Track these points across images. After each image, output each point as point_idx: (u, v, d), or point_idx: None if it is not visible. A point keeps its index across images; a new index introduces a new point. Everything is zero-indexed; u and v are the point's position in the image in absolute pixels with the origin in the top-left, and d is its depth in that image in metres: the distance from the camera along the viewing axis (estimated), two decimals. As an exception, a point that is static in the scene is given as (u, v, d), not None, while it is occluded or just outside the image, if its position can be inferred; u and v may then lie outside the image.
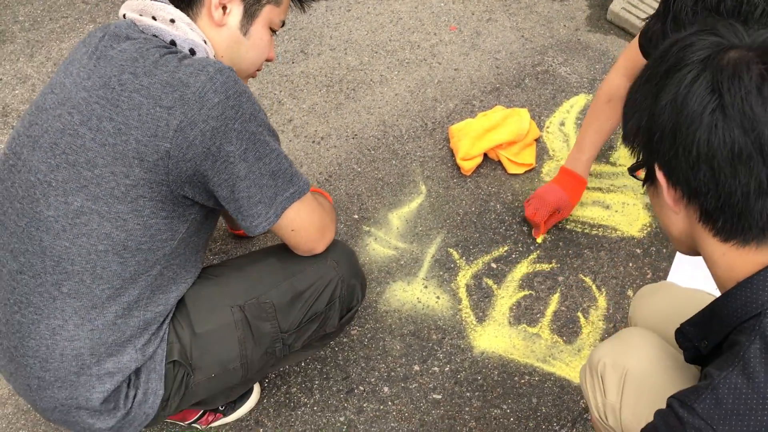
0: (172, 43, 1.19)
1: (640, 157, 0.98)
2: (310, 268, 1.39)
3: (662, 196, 0.95)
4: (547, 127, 2.29)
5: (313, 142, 2.27)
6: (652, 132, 0.91)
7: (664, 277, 1.91)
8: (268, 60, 1.38)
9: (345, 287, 1.43)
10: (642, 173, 1.02)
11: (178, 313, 1.32)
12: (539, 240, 2.01)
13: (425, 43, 2.58)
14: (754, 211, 0.88)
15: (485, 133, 2.16)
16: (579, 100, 2.36)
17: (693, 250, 1.02)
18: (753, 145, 0.84)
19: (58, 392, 1.21)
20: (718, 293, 1.03)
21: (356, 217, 2.09)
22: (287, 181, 1.24)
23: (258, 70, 1.40)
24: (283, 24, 1.38)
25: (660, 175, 0.92)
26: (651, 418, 1.19)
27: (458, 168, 2.18)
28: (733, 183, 0.87)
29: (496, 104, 2.33)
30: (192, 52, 1.20)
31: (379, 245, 2.03)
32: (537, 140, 2.24)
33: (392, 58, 2.54)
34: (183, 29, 1.20)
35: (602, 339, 1.81)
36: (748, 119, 0.84)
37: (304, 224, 1.31)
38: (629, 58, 1.82)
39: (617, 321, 1.84)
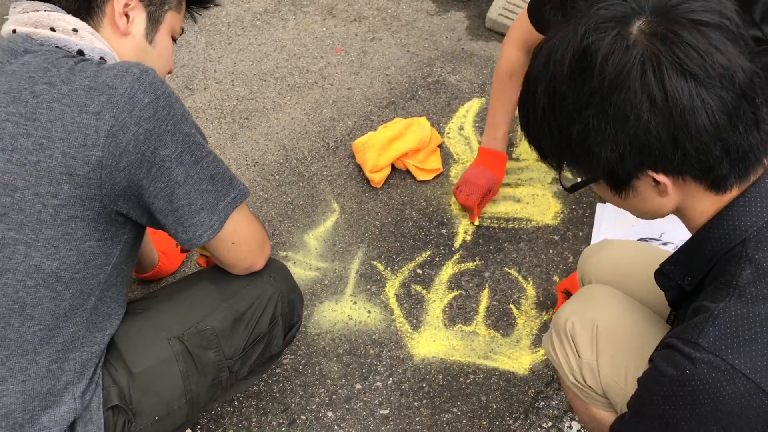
0: (80, 53, 1.08)
1: (590, 175, 0.96)
2: (247, 288, 1.29)
3: (655, 193, 0.94)
4: (448, 133, 2.30)
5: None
6: (643, 147, 0.88)
7: (584, 259, 1.94)
8: (168, 72, 1.30)
9: (285, 303, 1.34)
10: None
11: (108, 355, 1.18)
12: (476, 222, 2.01)
13: (313, 66, 2.55)
14: (753, 149, 0.89)
15: (389, 143, 2.14)
16: (473, 104, 2.40)
17: (670, 213, 1.01)
18: (735, 98, 0.85)
19: None
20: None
21: (270, 243, 1.99)
22: (227, 185, 1.15)
23: None
24: (183, 32, 1.31)
25: (662, 178, 0.91)
26: (632, 369, 1.17)
27: (368, 181, 2.13)
28: (737, 136, 0.87)
29: (394, 116, 2.32)
30: (103, 61, 1.09)
31: (299, 268, 1.93)
32: (440, 146, 2.24)
33: (282, 84, 2.48)
34: (88, 38, 1.10)
35: (539, 328, 1.80)
36: (725, 76, 0.85)
37: (245, 236, 1.21)
38: (520, 31, 1.89)
39: (548, 307, 1.84)
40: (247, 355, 1.30)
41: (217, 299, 1.26)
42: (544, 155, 1.01)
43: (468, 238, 2.01)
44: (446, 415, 1.64)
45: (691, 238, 1.00)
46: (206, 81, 2.51)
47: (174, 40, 1.28)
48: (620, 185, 0.96)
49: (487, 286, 1.89)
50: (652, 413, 0.95)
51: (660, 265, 1.07)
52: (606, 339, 1.19)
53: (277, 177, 2.17)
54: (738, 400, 0.85)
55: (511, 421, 1.63)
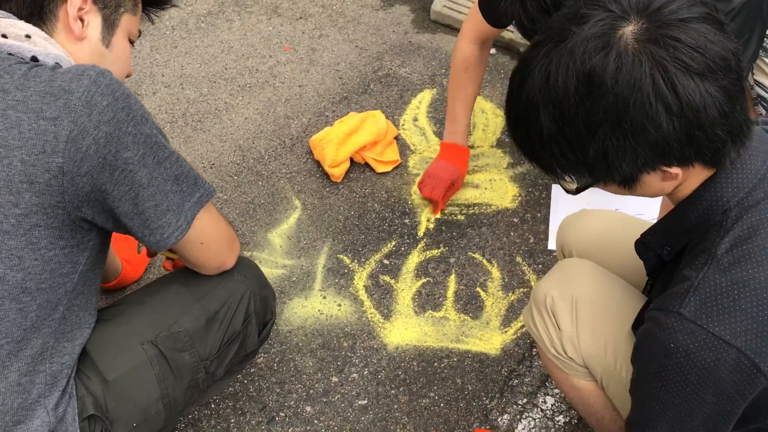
0: (34, 59, 1.05)
1: (598, 177, 0.97)
2: (219, 287, 1.28)
3: (662, 182, 0.95)
4: (403, 125, 2.32)
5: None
6: (663, 151, 0.89)
7: (545, 239, 1.99)
8: (127, 76, 1.28)
9: (258, 300, 1.33)
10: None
11: (80, 364, 1.15)
12: (438, 215, 2.04)
13: (263, 66, 2.53)
14: (745, 119, 0.91)
15: (347, 137, 2.14)
16: (425, 96, 2.42)
17: (663, 194, 1.02)
18: (733, 83, 0.88)
19: None
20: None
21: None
22: (192, 185, 1.14)
23: None
24: (140, 34, 1.29)
25: (675, 170, 0.92)
26: (611, 339, 1.21)
27: (328, 177, 2.14)
28: (736, 115, 0.89)
29: (348, 111, 2.33)
30: (58, 66, 1.07)
31: (266, 267, 1.92)
32: (396, 138, 2.26)
33: (233, 85, 2.46)
34: (42, 44, 1.06)
35: (507, 308, 1.84)
36: (723, 66, 0.87)
37: (213, 235, 1.20)
38: (473, 25, 1.92)
39: (514, 287, 1.88)
40: (223, 355, 1.29)
41: (189, 300, 1.25)
42: (555, 174, 1.00)
43: (431, 226, 2.03)
44: (424, 400, 1.66)
45: (673, 210, 1.02)
46: (155, 86, 2.46)
47: (131, 42, 1.26)
48: (631, 182, 0.97)
49: (453, 271, 1.92)
50: (649, 392, 0.99)
51: (641, 235, 1.09)
52: (585, 311, 1.23)
53: (236, 177, 2.16)
54: (723, 366, 0.89)
55: (487, 401, 1.66)
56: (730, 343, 0.89)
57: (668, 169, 0.92)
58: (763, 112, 1.75)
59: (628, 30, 0.88)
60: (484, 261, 1.95)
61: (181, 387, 1.23)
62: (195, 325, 1.24)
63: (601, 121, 0.88)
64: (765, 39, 1.70)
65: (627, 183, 0.96)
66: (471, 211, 2.07)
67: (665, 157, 0.90)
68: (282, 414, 1.64)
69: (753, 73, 1.76)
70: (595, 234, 1.42)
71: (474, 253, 1.97)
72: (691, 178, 0.97)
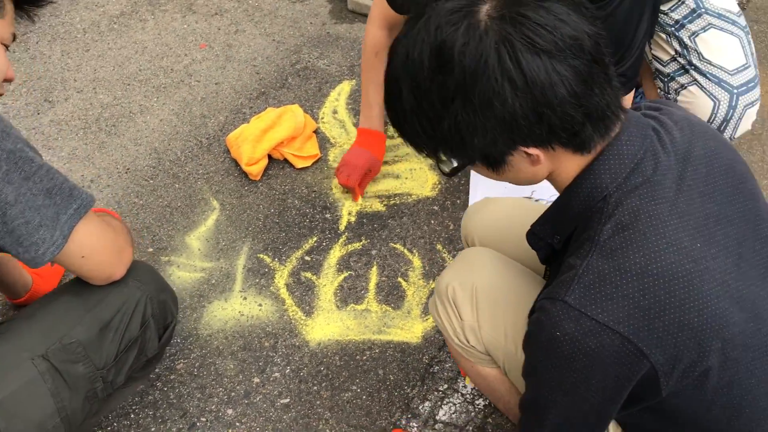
0: None
1: (466, 158, 0.98)
2: (112, 294, 1.26)
3: (527, 164, 0.96)
4: (322, 118, 2.31)
5: (83, 187, 2.08)
6: (512, 128, 0.90)
7: (465, 225, 2.01)
8: (7, 80, 1.23)
9: (155, 304, 1.31)
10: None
11: None
12: (359, 201, 2.04)
13: (178, 65, 2.49)
14: (610, 106, 0.92)
15: (263, 134, 2.12)
16: (344, 87, 2.41)
17: (543, 178, 1.04)
18: (587, 64, 0.89)
19: None
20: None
21: (151, 250, 1.94)
22: (67, 197, 1.10)
23: (1, 94, 1.25)
24: (15, 38, 1.24)
25: (534, 150, 0.93)
26: (510, 326, 1.22)
27: (246, 175, 2.11)
28: (595, 99, 0.90)
29: (266, 107, 2.31)
30: None
31: (184, 272, 1.89)
32: (315, 132, 2.25)
33: (147, 86, 2.41)
34: None
35: (427, 296, 1.85)
36: (574, 46, 0.88)
37: (95, 247, 1.17)
38: (379, 10, 1.92)
39: (435, 275, 1.89)
40: (121, 363, 1.26)
41: (81, 310, 1.22)
42: (420, 149, 1.01)
43: (352, 219, 2.03)
44: (346, 394, 1.66)
45: (557, 199, 1.03)
46: (66, 92, 2.40)
47: (6, 46, 1.21)
48: (496, 164, 0.98)
49: (375, 263, 1.92)
50: (539, 378, 1.00)
51: (531, 225, 1.11)
52: (485, 300, 1.24)
53: (151, 181, 2.12)
54: (608, 352, 0.91)
55: (408, 390, 1.67)
56: (613, 329, 0.90)
57: (527, 150, 0.93)
58: (661, 85, 1.79)
59: (485, 8, 0.90)
60: (405, 251, 1.95)
61: (77, 399, 1.20)
62: (88, 335, 1.21)
63: (453, 95, 0.89)
64: (660, 15, 1.73)
65: (492, 164, 0.97)
66: (392, 202, 2.07)
67: (516, 134, 0.91)
68: (203, 419, 1.62)
69: (651, 48, 1.80)
70: (497, 222, 1.43)
71: (395, 243, 1.97)
72: (565, 163, 0.98)
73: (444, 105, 0.91)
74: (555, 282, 0.97)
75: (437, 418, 1.61)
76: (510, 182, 1.04)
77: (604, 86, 0.91)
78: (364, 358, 1.73)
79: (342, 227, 2.01)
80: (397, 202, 2.07)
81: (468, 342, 1.26)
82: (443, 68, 0.89)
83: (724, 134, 1.70)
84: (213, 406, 1.64)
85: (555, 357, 0.94)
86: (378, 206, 2.06)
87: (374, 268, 1.91)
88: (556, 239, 1.06)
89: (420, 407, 1.63)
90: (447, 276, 1.30)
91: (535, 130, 0.90)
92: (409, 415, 1.62)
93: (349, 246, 1.96)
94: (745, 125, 1.70)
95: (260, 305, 1.83)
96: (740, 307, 0.95)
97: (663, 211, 0.94)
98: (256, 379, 1.69)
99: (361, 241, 1.97)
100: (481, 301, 1.23)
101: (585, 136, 0.93)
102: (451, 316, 1.27)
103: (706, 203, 0.98)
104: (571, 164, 0.98)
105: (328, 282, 1.88)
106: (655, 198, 0.95)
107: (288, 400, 1.65)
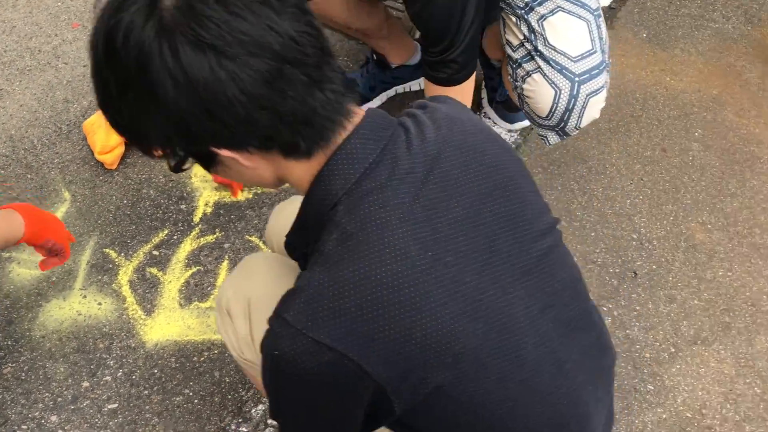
0: None
1: (182, 155, 0.90)
2: None
3: (240, 165, 0.89)
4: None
5: (-73, 178, 1.98)
6: (180, 125, 0.83)
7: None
8: None
9: None
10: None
11: None
12: (240, 197, 1.96)
13: (46, 46, 2.36)
14: (318, 111, 0.86)
15: (120, 121, 2.02)
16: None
17: (281, 182, 0.98)
18: (272, 64, 0.82)
19: None
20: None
21: (-11, 246, 1.85)
22: None
23: None
24: None
25: (227, 153, 0.86)
26: None
27: (102, 164, 2.02)
28: (289, 102, 0.83)
29: (132, 91, 2.20)
30: None
31: (24, 268, 1.81)
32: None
33: (11, 68, 2.29)
34: None
35: (277, 291, 1.78)
36: (251, 43, 0.81)
37: None
38: None
39: (288, 270, 1.82)
40: None
41: None
42: (134, 144, 0.93)
43: (209, 210, 1.95)
44: (177, 398, 1.60)
45: (300, 208, 0.97)
46: (-75, 74, 2.28)
47: None
48: (205, 162, 0.91)
49: (226, 257, 1.85)
50: (273, 393, 0.94)
51: (286, 235, 1.04)
52: (258, 311, 1.17)
53: (3, 172, 2.02)
54: (328, 371, 0.84)
55: (243, 392, 1.61)
56: (331, 347, 0.84)
57: (218, 151, 0.86)
58: (511, 72, 1.70)
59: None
60: (261, 244, 1.88)
61: None
62: None
63: (126, 85, 0.82)
64: (503, 4, 1.65)
65: (205, 164, 0.91)
66: (253, 191, 1.99)
67: (194, 133, 0.84)
68: (24, 427, 1.55)
69: (505, 33, 1.71)
70: (286, 224, 1.36)
71: (251, 236, 1.90)
72: (291, 169, 0.91)
73: (121, 96, 0.84)
74: (286, 294, 0.91)
75: (269, 422, 1.56)
76: (243, 183, 0.98)
77: (304, 90, 0.84)
78: (202, 359, 1.67)
79: (197, 219, 1.93)
80: (258, 191, 1.99)
81: (244, 355, 1.19)
82: (113, 57, 0.82)
83: (568, 124, 1.62)
84: (37, 413, 1.58)
85: (279, 376, 0.89)
86: (240, 196, 1.98)
87: (225, 263, 1.84)
88: (310, 249, 1.00)
89: (253, 410, 1.58)
90: (224, 287, 1.23)
91: (209, 129, 0.83)
92: (240, 419, 1.57)
93: (202, 239, 1.89)
94: (591, 114, 1.62)
95: (100, 304, 1.76)
96: (481, 319, 0.89)
97: (393, 217, 0.87)
98: (86, 383, 1.62)
99: (215, 233, 1.90)
100: (254, 312, 1.16)
101: (285, 140, 0.86)
102: (229, 330, 1.20)
103: (452, 207, 0.91)
104: (298, 170, 0.91)
105: (174, 278, 1.81)
106: (387, 204, 0.88)
107: (116, 405, 1.59)
